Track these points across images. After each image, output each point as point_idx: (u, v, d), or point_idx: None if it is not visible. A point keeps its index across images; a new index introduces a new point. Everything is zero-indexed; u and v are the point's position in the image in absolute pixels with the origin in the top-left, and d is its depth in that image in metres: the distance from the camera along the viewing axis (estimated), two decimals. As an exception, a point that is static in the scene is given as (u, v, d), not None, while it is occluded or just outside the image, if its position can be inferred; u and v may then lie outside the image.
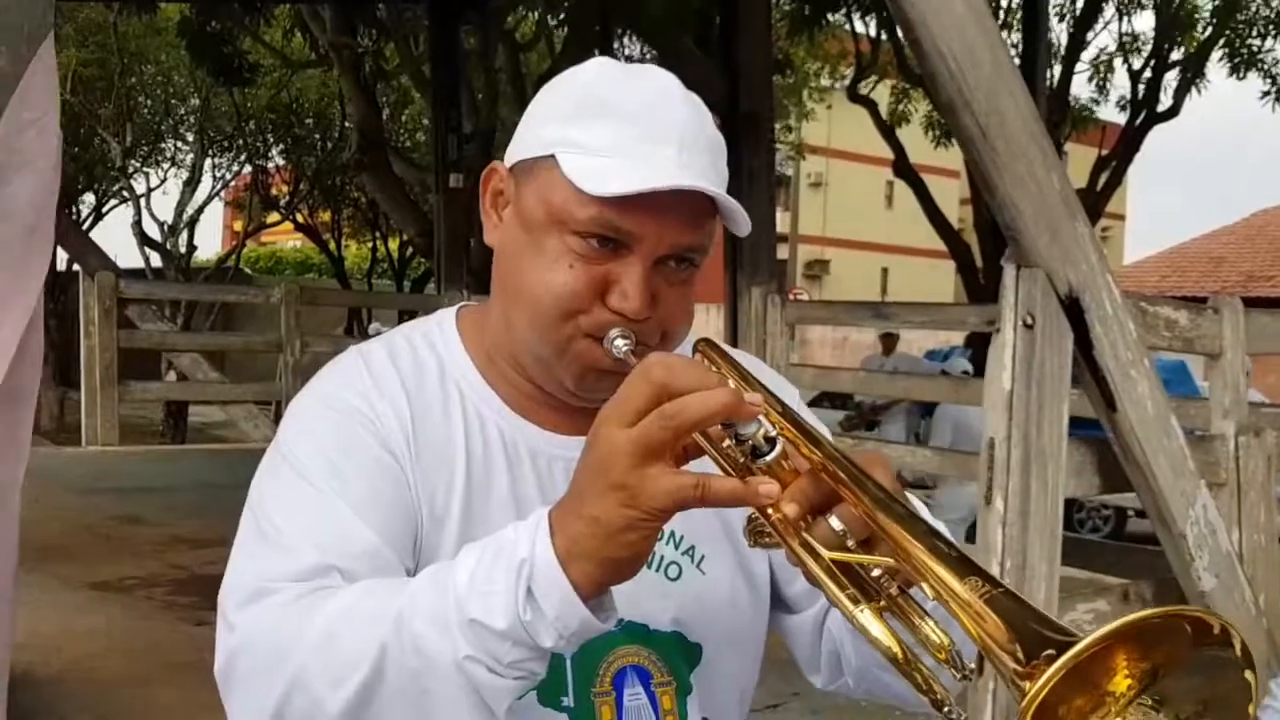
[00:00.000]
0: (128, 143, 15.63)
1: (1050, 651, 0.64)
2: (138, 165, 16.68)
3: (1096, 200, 12.12)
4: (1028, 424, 2.27)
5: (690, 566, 1.05)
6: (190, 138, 17.12)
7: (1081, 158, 13.77)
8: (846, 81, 15.03)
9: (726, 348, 1.04)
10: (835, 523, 0.79)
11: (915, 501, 0.87)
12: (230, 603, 0.91)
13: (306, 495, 0.94)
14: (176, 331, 9.53)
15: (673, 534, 1.05)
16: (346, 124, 16.44)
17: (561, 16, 9.96)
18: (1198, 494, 2.62)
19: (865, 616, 0.77)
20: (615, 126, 0.95)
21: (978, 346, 11.50)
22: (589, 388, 0.99)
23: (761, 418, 0.81)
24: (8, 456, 1.36)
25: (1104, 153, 12.92)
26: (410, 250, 19.42)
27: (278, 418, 8.65)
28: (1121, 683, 0.69)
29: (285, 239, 32.00)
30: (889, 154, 13.47)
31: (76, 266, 18.36)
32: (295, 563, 0.90)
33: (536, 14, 11.94)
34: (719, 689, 1.08)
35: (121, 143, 15.42)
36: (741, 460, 0.82)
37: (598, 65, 1.03)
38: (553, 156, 0.95)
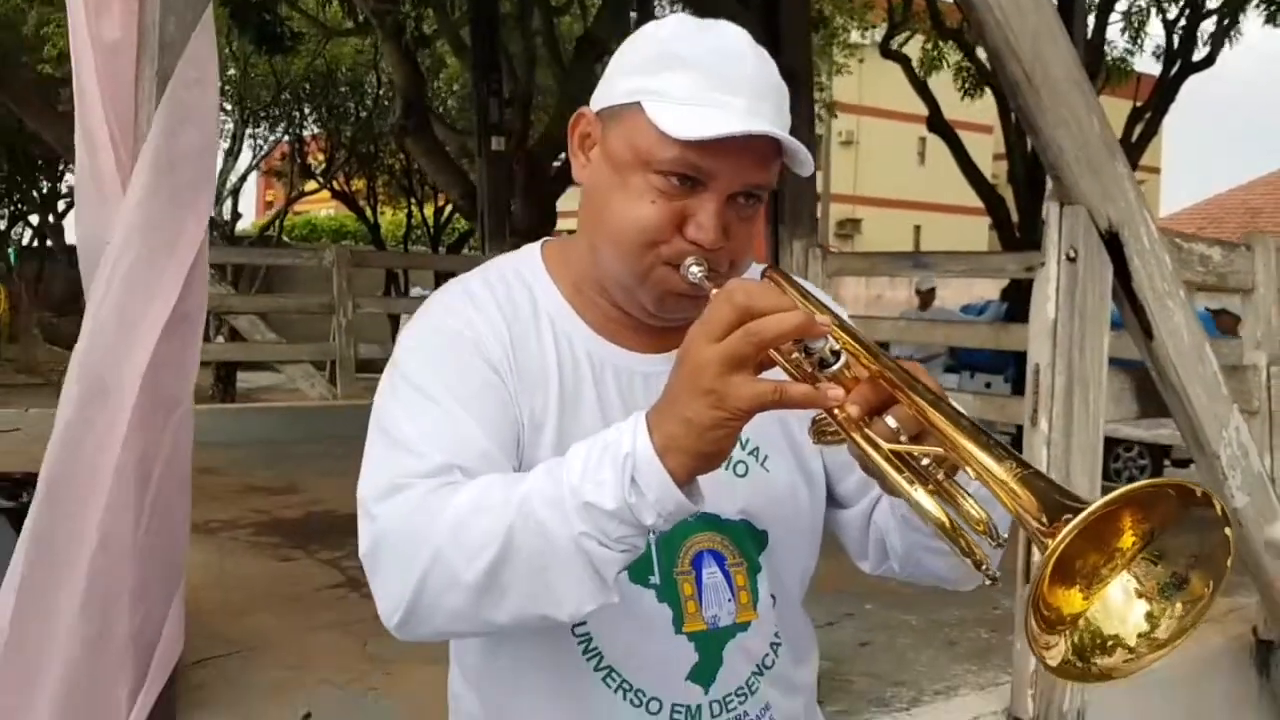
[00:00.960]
0: (171, 113, 15.89)
1: (1068, 515, 0.80)
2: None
3: (1131, 152, 12.09)
4: (1071, 351, 2.43)
5: (756, 465, 1.20)
6: (229, 108, 17.41)
7: (1116, 110, 13.66)
8: (877, 36, 15.01)
9: (791, 274, 1.18)
10: (891, 421, 0.93)
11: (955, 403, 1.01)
12: (370, 498, 1.05)
13: (427, 407, 1.08)
14: (234, 294, 9.75)
15: (740, 437, 1.19)
16: (382, 91, 16.62)
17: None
18: (1230, 417, 2.78)
19: (920, 494, 0.91)
20: (693, 77, 1.07)
21: (1013, 300, 11.57)
22: (667, 309, 1.13)
23: (827, 335, 0.95)
24: (180, 373, 1.56)
25: (1139, 104, 12.88)
26: (446, 215, 19.66)
27: (332, 377, 8.88)
28: (1127, 540, 0.86)
29: (319, 208, 32.30)
30: (921, 110, 13.44)
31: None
32: (423, 462, 1.04)
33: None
34: (783, 569, 1.23)
35: (164, 113, 15.71)
36: (810, 370, 0.96)
37: (675, 21, 1.15)
38: (638, 104, 1.08)
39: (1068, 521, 0.80)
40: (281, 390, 9.63)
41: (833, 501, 1.26)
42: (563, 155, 10.75)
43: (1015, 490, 0.86)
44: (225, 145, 17.12)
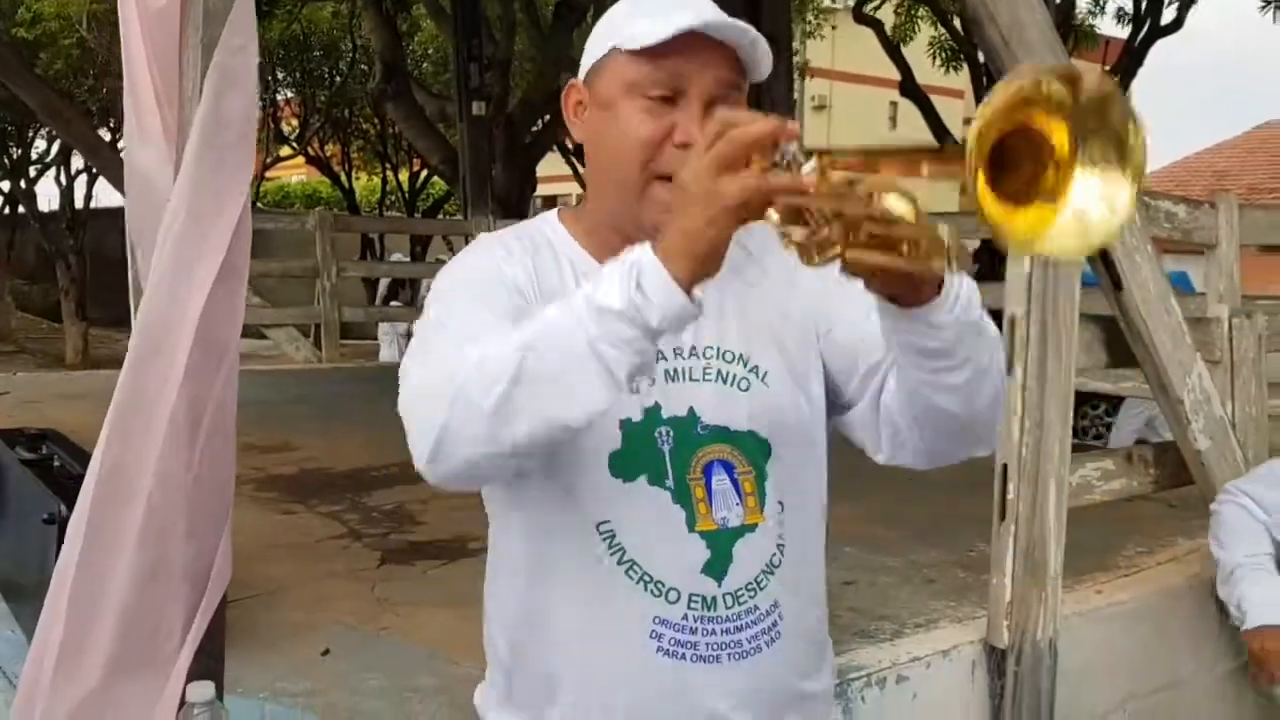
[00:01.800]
0: (144, 78, 15.74)
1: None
2: (154, 101, 16.80)
3: (1101, 115, 12.25)
4: (1045, 302, 2.59)
5: (757, 381, 1.34)
6: (201, 72, 17.26)
7: (1086, 73, 13.78)
8: (850, 1, 15.11)
9: None
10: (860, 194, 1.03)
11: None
12: (405, 366, 1.20)
13: (458, 310, 1.24)
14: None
15: (740, 355, 1.33)
16: (357, 55, 16.55)
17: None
18: (1194, 364, 2.95)
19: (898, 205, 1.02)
20: (653, 12, 1.25)
21: (985, 261, 11.75)
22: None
23: (797, 138, 1.06)
24: (228, 322, 1.67)
25: (1106, 68, 13.07)
26: (421, 180, 19.64)
27: (316, 340, 8.97)
28: (1058, 142, 0.98)
29: (291, 173, 32.08)
30: (893, 75, 13.61)
31: (95, 204, 18.47)
32: (454, 345, 1.16)
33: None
34: (790, 477, 1.35)
35: (138, 79, 15.55)
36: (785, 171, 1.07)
37: None
38: (613, 49, 1.27)
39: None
40: (264, 355, 9.71)
41: (841, 409, 1.37)
42: (541, 120, 10.81)
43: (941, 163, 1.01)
44: (198, 111, 17.03)
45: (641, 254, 1.07)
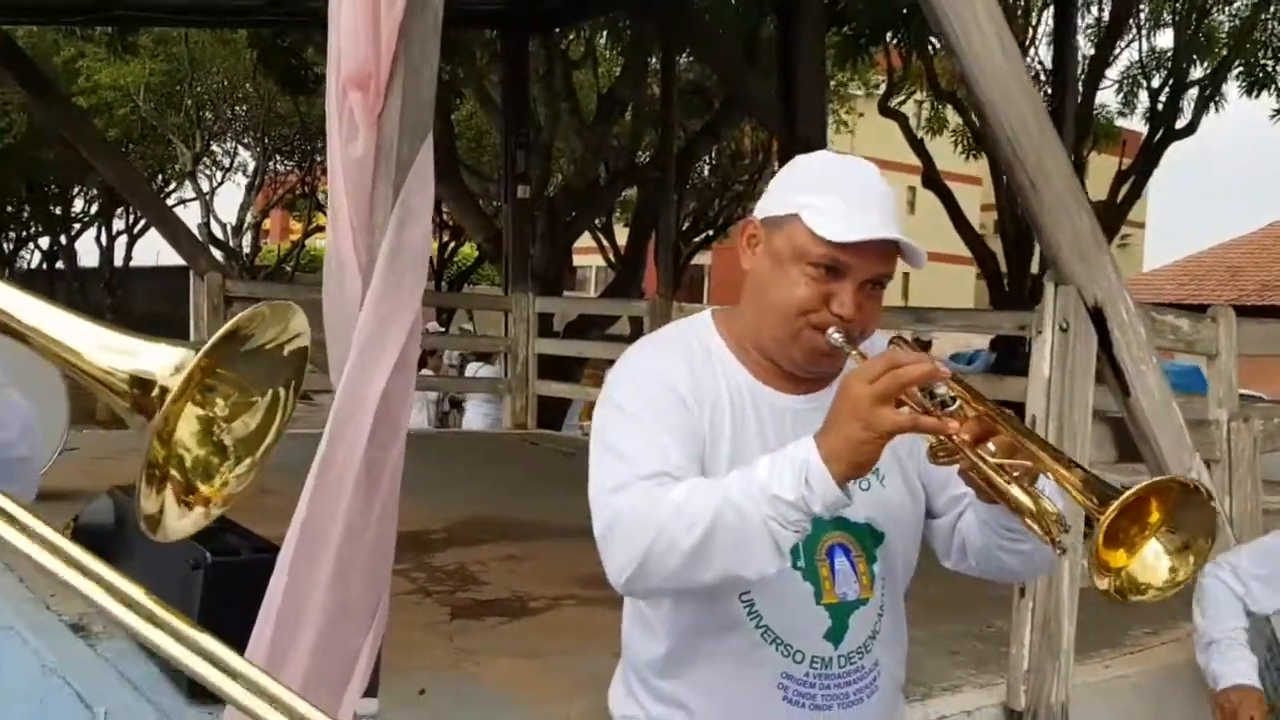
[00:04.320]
0: (197, 148, 16.44)
1: (1112, 498, 1.31)
2: (206, 168, 17.55)
3: (1117, 212, 12.72)
4: (1062, 404, 2.96)
5: (876, 482, 1.59)
6: (248, 141, 17.99)
7: (1103, 169, 14.33)
8: (877, 90, 15.69)
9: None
10: (991, 445, 1.34)
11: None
12: (602, 495, 1.46)
13: (637, 428, 1.50)
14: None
15: None
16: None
17: (617, 36, 10.66)
18: (1193, 463, 3.31)
19: (1015, 490, 1.32)
20: (839, 197, 1.51)
21: (1002, 350, 12.13)
22: (811, 364, 1.56)
23: (947, 381, 1.37)
24: (401, 403, 2.04)
25: (1124, 166, 13.53)
26: (449, 251, 20.24)
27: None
28: (1154, 516, 1.37)
29: (321, 239, 32.88)
30: (912, 161, 14.06)
31: (134, 262, 19.06)
32: (640, 468, 1.44)
33: (586, 33, 12.67)
34: (893, 560, 1.64)
35: (191, 148, 16.24)
36: (932, 407, 1.35)
37: (823, 156, 1.64)
38: (797, 215, 1.52)
39: (1111, 501, 1.30)
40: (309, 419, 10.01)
41: (929, 514, 1.67)
42: (576, 209, 11.29)
43: (1079, 485, 1.34)
44: (244, 180, 17.75)
45: (809, 454, 1.34)
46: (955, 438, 1.34)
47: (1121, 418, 3.27)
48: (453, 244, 19.29)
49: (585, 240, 18.70)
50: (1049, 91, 9.92)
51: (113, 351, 0.98)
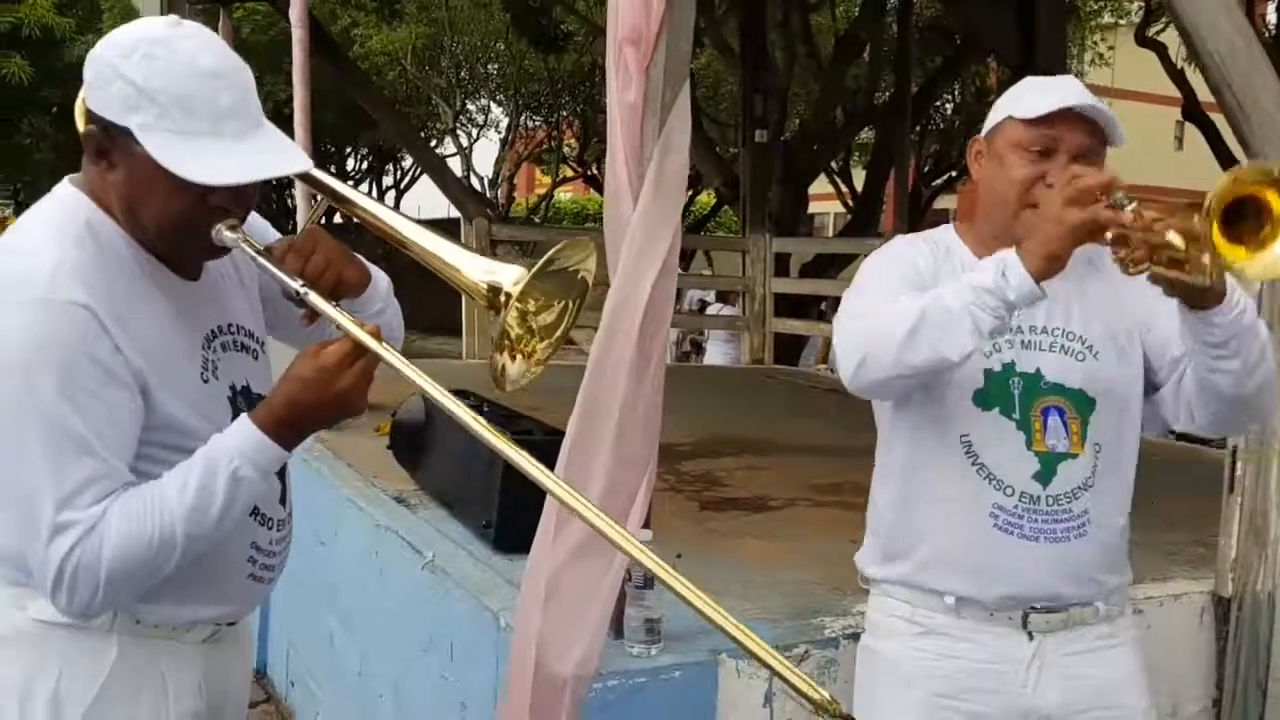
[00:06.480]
0: (457, 106, 17.61)
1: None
2: (463, 125, 18.76)
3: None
4: (1273, 307, 3.12)
5: (1090, 355, 1.81)
6: (501, 99, 19.09)
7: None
8: (1132, 18, 14.88)
9: None
10: (1169, 237, 1.49)
11: None
12: (841, 319, 1.79)
13: (884, 282, 1.79)
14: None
15: (1080, 335, 1.80)
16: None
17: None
18: None
19: (1197, 256, 1.46)
20: (1040, 93, 1.76)
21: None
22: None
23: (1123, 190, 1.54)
24: (665, 301, 2.43)
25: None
26: (688, 199, 20.74)
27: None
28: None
29: (561, 190, 34.30)
30: (1173, 93, 13.34)
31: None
32: (875, 304, 1.73)
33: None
34: (1106, 427, 1.80)
35: (451, 106, 17.42)
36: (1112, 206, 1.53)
37: (1033, 77, 1.89)
38: (1008, 117, 1.78)
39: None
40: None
41: (1154, 388, 1.84)
42: (814, 151, 11.50)
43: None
44: (498, 136, 18.82)
45: (1008, 253, 1.58)
46: (1130, 231, 1.53)
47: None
48: (690, 192, 19.78)
49: (823, 187, 18.86)
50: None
51: (479, 269, 1.64)
